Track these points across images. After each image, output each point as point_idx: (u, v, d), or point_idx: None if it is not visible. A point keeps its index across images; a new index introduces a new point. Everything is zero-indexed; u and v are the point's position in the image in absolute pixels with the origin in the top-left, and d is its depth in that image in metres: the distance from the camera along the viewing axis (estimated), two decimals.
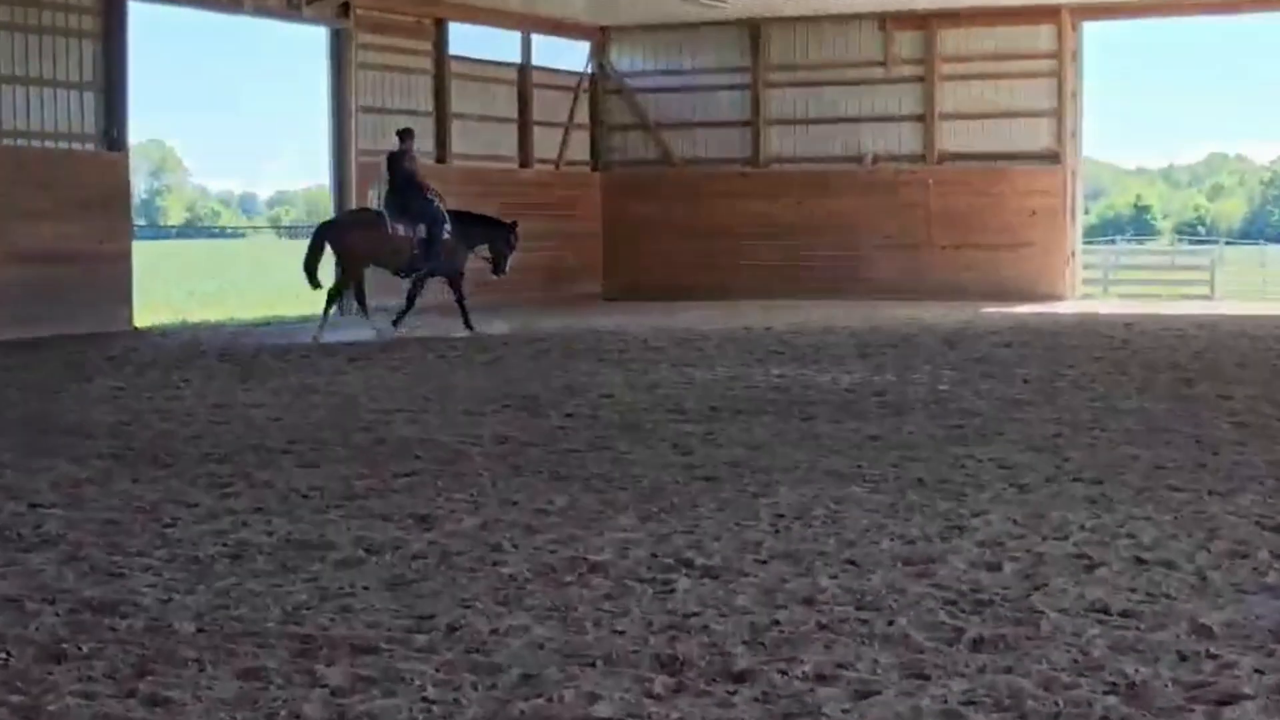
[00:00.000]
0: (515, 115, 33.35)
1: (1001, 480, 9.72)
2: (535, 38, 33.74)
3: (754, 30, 33.93)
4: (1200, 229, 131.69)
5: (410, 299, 23.44)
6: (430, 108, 31.05)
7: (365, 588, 7.01)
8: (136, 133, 42.81)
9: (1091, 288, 35.59)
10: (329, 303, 23.02)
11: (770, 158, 34.10)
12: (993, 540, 7.89)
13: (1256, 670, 5.62)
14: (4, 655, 5.97)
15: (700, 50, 34.63)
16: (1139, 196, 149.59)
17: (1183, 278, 40.32)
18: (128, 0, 24.66)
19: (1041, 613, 6.40)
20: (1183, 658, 5.79)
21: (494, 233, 24.12)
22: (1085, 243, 38.32)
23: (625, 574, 7.20)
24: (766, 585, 6.95)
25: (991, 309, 28.11)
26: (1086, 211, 62.10)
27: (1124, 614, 6.40)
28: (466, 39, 32.16)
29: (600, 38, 35.12)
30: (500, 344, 21.17)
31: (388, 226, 22.77)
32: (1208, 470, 10.09)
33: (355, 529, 8.35)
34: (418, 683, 5.58)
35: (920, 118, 32.93)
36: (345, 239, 22.99)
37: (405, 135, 23.62)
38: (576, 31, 34.69)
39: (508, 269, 24.36)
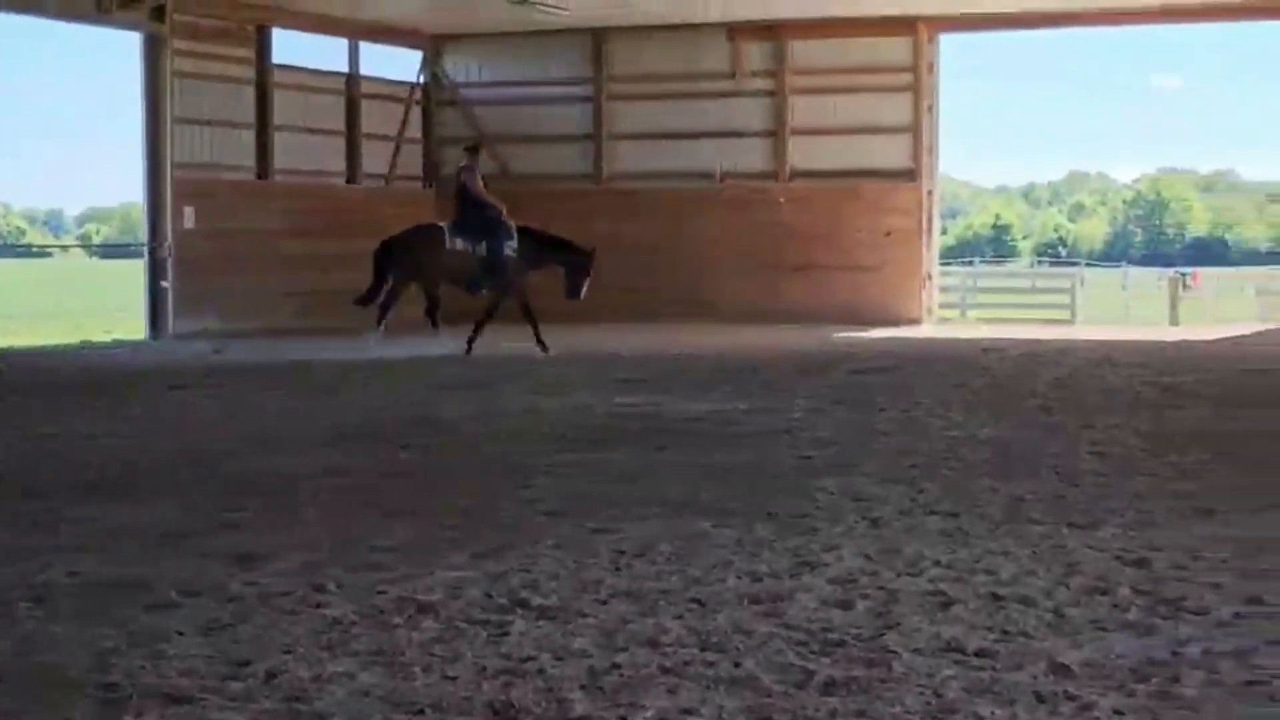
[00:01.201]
0: (343, 127, 33.20)
1: (855, 513, 9.77)
2: (364, 46, 33.62)
3: (596, 39, 34.03)
4: (1061, 250, 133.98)
5: (487, 315, 24.17)
6: (252, 119, 30.83)
7: (179, 632, 6.90)
8: None
9: (948, 311, 36.06)
10: (381, 315, 23.85)
11: (614, 174, 34.20)
12: (844, 577, 7.94)
13: (1116, 711, 5.70)
14: None
15: (540, 60, 34.66)
16: (998, 216, 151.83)
17: (1043, 300, 40.94)
18: None
19: (894, 653, 6.44)
20: (1040, 699, 5.85)
21: (569, 258, 24.68)
22: (942, 264, 38.81)
23: (457, 615, 7.16)
24: (606, 626, 6.94)
25: (845, 333, 28.34)
26: (944, 231, 62.91)
27: (980, 653, 6.45)
28: (290, 46, 32.04)
29: (433, 46, 35.06)
30: (339, 370, 21.03)
31: (446, 241, 23.67)
32: (1068, 502, 10.21)
33: (171, 569, 8.24)
34: None
35: (771, 133, 33.16)
36: (400, 252, 23.84)
37: (471, 151, 24.70)
38: (408, 39, 34.62)
39: (583, 295, 24.73)
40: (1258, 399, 17.06)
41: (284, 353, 22.72)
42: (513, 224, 24.30)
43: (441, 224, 24.25)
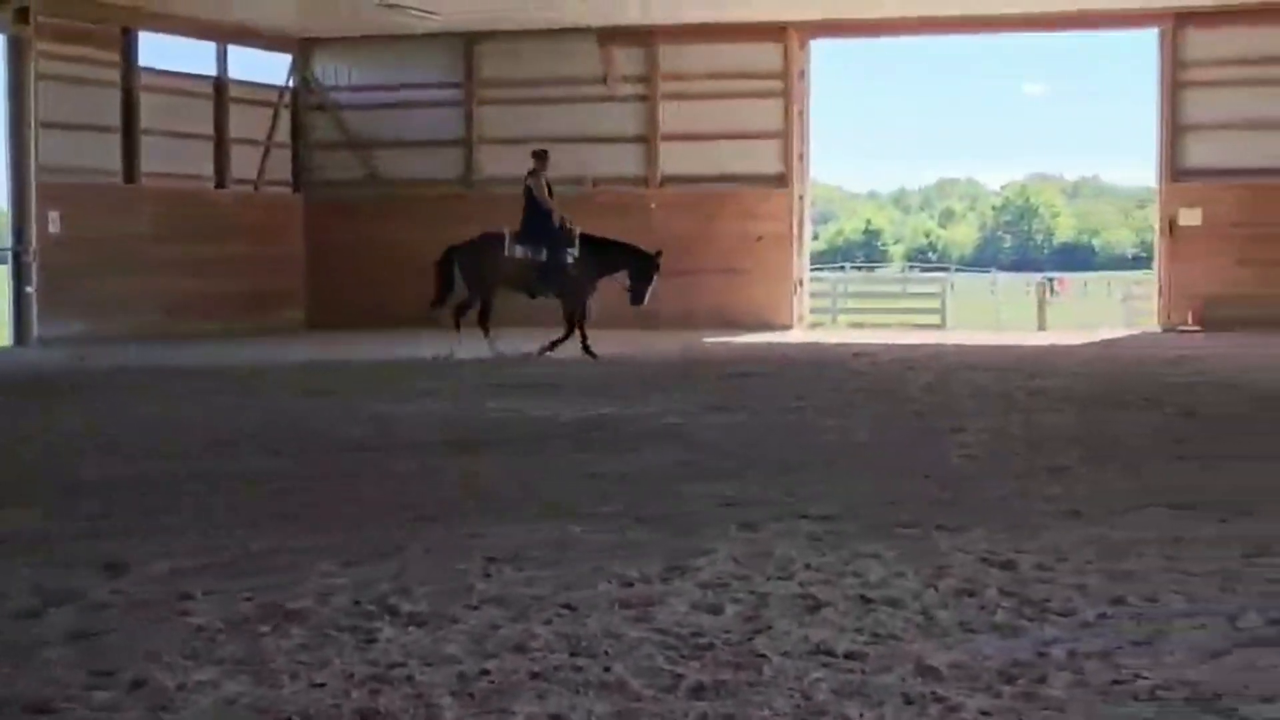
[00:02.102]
0: (211, 131, 32.93)
1: (727, 517, 9.77)
2: (232, 49, 33.36)
3: (467, 44, 33.97)
4: (931, 255, 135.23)
5: (568, 324, 24.53)
6: (118, 122, 30.52)
7: (43, 641, 6.82)
8: None
9: (820, 316, 36.22)
10: (484, 326, 24.30)
11: (485, 179, 34.11)
12: (715, 581, 7.94)
13: (983, 712, 5.74)
14: None
15: (410, 64, 34.57)
16: (869, 221, 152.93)
17: (913, 306, 41.23)
18: None
19: (764, 656, 6.45)
20: (908, 700, 5.88)
21: (633, 261, 24.78)
22: (814, 269, 39.02)
23: (325, 623, 7.10)
24: (476, 632, 6.92)
25: (716, 338, 28.41)
26: (815, 237, 63.22)
27: (849, 656, 6.48)
28: (158, 49, 31.83)
29: (302, 50, 34.85)
30: (207, 376, 20.84)
31: (505, 249, 24.05)
32: (938, 505, 10.28)
33: (35, 577, 8.12)
34: None
35: (643, 138, 33.22)
36: (463, 260, 24.32)
37: (537, 157, 24.90)
38: (277, 43, 34.41)
39: (647, 299, 24.90)
40: (1122, 402, 17.25)
41: (152, 358, 22.48)
42: (575, 231, 24.49)
43: (505, 231, 24.50)
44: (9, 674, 6.30)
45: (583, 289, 24.60)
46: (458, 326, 24.20)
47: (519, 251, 24.22)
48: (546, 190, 24.54)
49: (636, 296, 24.83)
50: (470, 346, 23.51)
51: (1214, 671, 6.25)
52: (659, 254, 24.99)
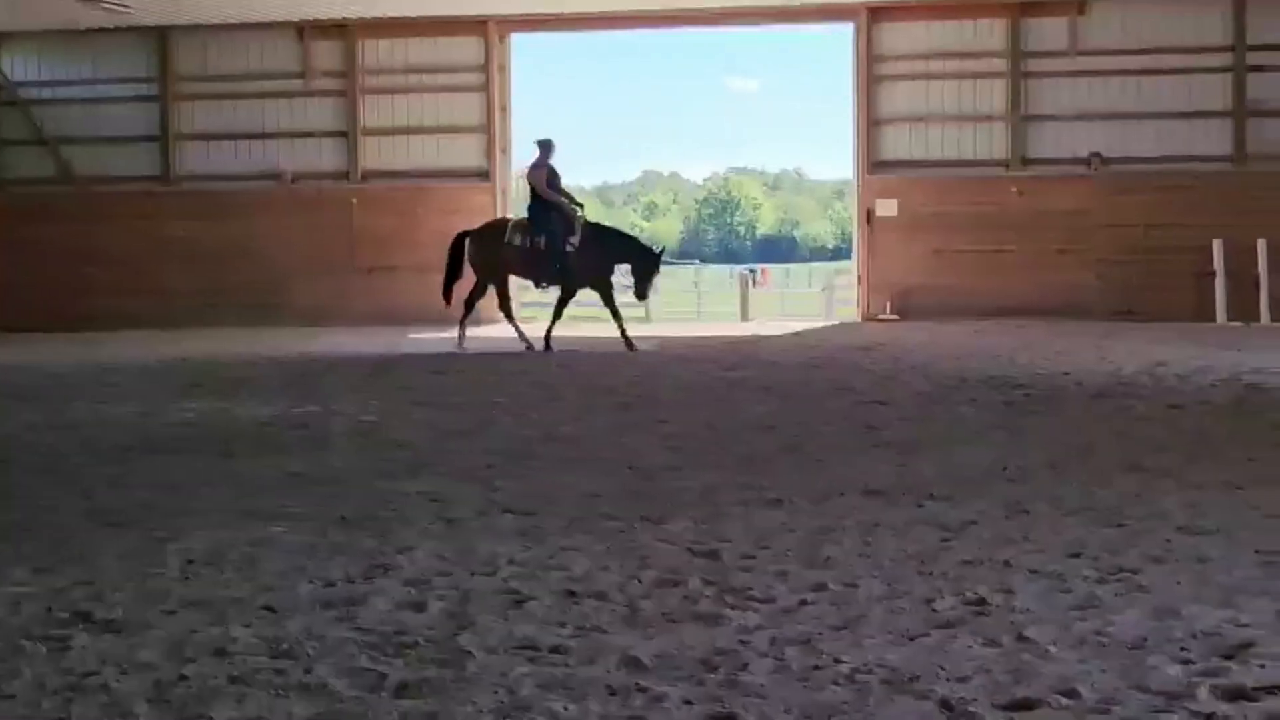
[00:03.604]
0: None
1: (430, 514, 9.74)
2: None
3: (162, 38, 33.42)
4: None
5: (555, 313, 25.24)
6: None
7: None
8: None
9: (528, 310, 36.24)
10: (465, 310, 24.69)
11: (182, 175, 33.63)
12: (418, 578, 7.90)
13: (686, 701, 5.79)
14: None
15: (103, 59, 33.89)
16: None
17: (618, 299, 41.43)
18: None
19: (468, 653, 6.44)
20: (612, 692, 5.91)
21: (636, 256, 24.80)
22: None
23: (15, 632, 6.91)
24: (174, 637, 6.79)
25: (420, 335, 28.30)
26: None
27: (554, 650, 6.49)
28: None
29: None
30: None
31: (505, 236, 24.16)
32: (641, 497, 10.34)
33: None
34: None
35: (343, 133, 33.01)
36: (467, 248, 24.59)
37: (540, 146, 24.53)
38: None
39: (648, 293, 25.42)
40: (821, 391, 17.53)
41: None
42: (579, 220, 24.38)
43: (509, 219, 24.83)
44: None
45: (585, 277, 24.62)
46: (463, 320, 24.80)
47: (518, 239, 24.27)
48: (547, 180, 24.37)
49: (639, 291, 25.18)
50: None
51: (911, 654, 6.37)
52: (663, 250, 25.54)
